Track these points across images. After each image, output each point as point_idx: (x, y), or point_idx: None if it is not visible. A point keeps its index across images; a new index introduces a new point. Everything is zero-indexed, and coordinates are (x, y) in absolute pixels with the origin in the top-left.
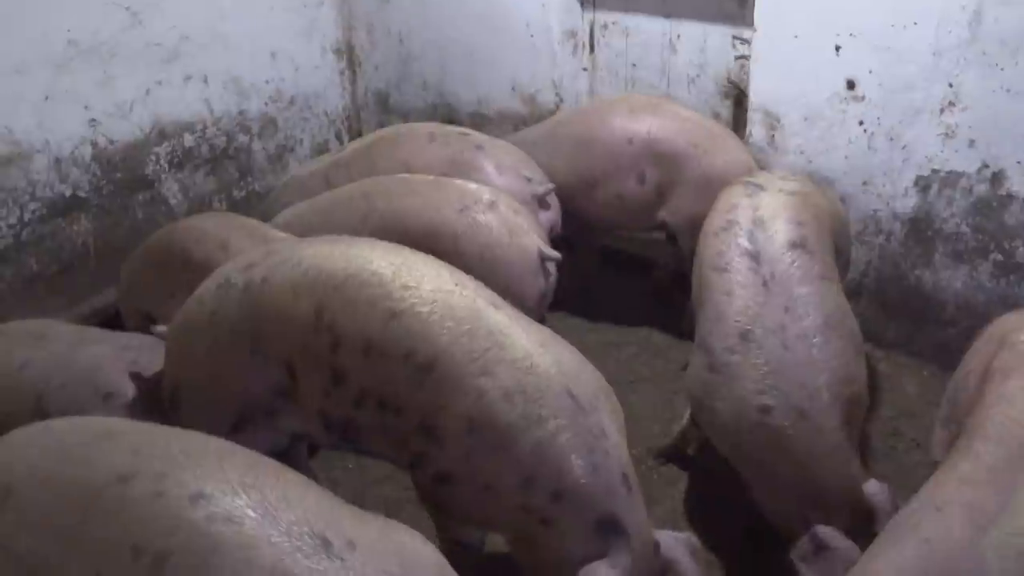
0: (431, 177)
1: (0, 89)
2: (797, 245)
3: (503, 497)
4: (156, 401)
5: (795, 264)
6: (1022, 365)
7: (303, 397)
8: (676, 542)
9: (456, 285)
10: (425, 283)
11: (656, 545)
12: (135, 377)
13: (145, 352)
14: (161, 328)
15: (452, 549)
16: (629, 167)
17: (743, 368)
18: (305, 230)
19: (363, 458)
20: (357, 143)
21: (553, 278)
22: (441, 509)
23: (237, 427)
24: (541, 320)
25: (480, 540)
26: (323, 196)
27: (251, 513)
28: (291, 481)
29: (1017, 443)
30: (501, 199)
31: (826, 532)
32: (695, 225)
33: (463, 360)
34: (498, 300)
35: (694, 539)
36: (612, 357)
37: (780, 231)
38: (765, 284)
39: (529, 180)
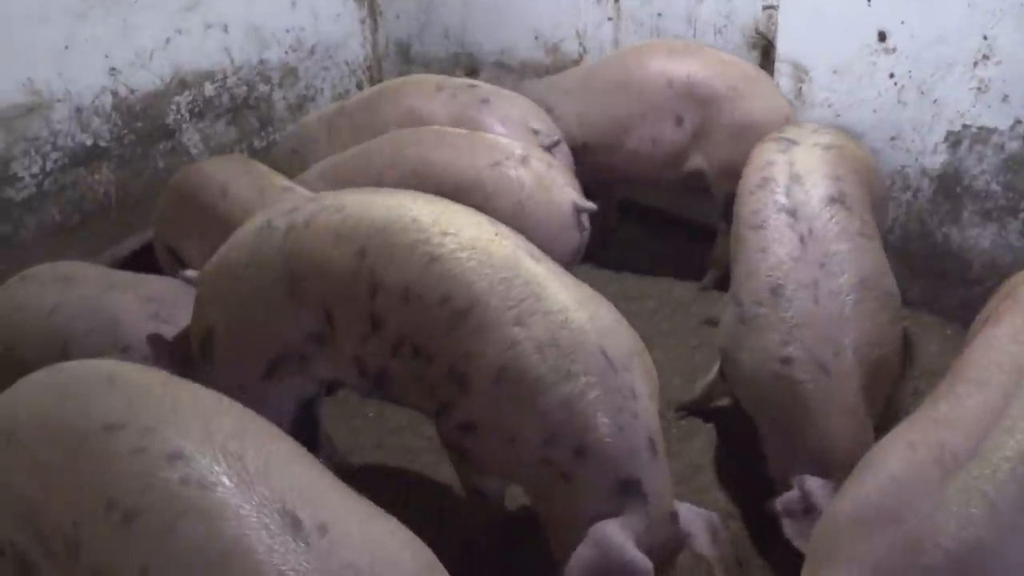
0: (463, 130)
1: (21, 39)
2: (836, 200)
3: (525, 449)
4: (173, 362)
5: (833, 220)
6: (1014, 312)
7: (339, 343)
8: (696, 517)
9: (496, 235)
10: (465, 230)
11: (675, 515)
12: (154, 340)
13: (168, 303)
14: (191, 272)
15: (473, 499)
16: (667, 110)
17: (770, 320)
18: (336, 179)
19: (384, 406)
20: (364, 92)
21: (587, 232)
22: (464, 458)
23: (269, 372)
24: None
25: (501, 491)
26: (357, 147)
27: (226, 481)
28: (278, 451)
29: (997, 388)
30: (534, 153)
31: (815, 487)
32: (728, 172)
33: (498, 307)
34: (537, 252)
35: (716, 518)
36: (633, 311)
37: (818, 186)
38: (802, 240)
39: (536, 132)
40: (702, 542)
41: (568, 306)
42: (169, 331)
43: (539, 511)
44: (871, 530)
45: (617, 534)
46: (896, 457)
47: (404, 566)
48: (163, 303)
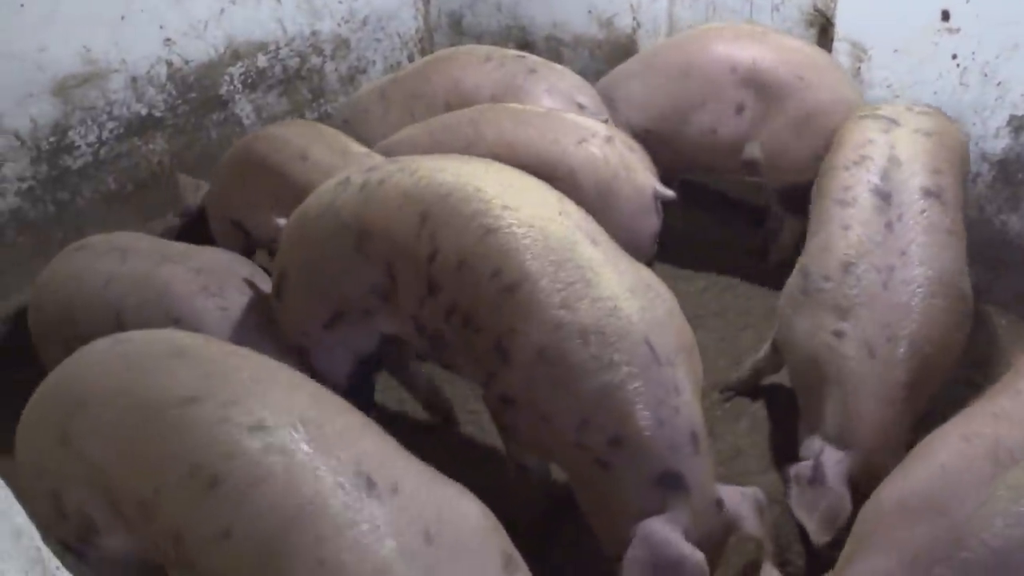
0: (542, 108)
1: (78, 9)
2: (932, 194)
3: (559, 431)
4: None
5: (925, 214)
6: None
7: (400, 301)
8: (743, 497)
9: (560, 214)
10: (527, 207)
11: (719, 502)
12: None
13: (218, 276)
14: (281, 221)
15: (516, 473)
16: (729, 97)
17: (833, 294)
18: (412, 151)
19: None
20: (416, 62)
21: (661, 216)
22: (505, 430)
23: (332, 322)
24: (650, 261)
25: (545, 467)
26: (434, 120)
27: (304, 447)
28: (352, 422)
29: None
30: (617, 135)
31: (829, 460)
32: (786, 163)
33: (546, 288)
34: (600, 237)
35: (760, 494)
36: (681, 290)
37: (917, 176)
38: (888, 226)
39: (583, 107)
40: (751, 523)
41: (618, 294)
42: (218, 304)
43: (579, 496)
44: (915, 518)
45: (664, 530)
46: (949, 448)
47: (471, 522)
48: (213, 275)
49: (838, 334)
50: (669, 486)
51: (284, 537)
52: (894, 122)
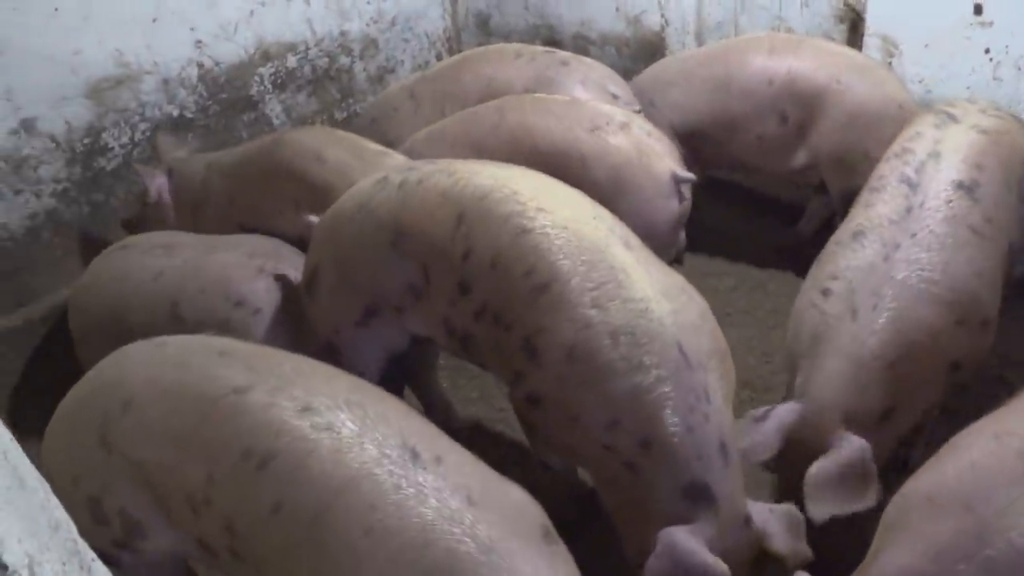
0: (565, 97)
1: (111, 12)
2: (963, 187)
3: (587, 432)
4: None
5: (950, 203)
6: None
7: (432, 300)
8: (771, 514)
9: (594, 218)
10: (561, 209)
11: (748, 518)
12: (280, 279)
13: (272, 258)
14: (312, 217)
15: (543, 472)
16: (769, 108)
17: (835, 257)
18: (441, 143)
19: (458, 376)
20: (445, 61)
21: (688, 202)
22: (531, 431)
23: (365, 319)
24: (677, 255)
25: (572, 468)
26: (461, 112)
27: (350, 424)
28: (393, 404)
29: None
30: (634, 120)
31: (784, 410)
32: (840, 165)
33: (577, 287)
34: (634, 241)
35: (795, 511)
36: (710, 288)
37: (951, 168)
38: (909, 210)
39: (616, 97)
40: (779, 541)
41: (650, 296)
42: (274, 285)
43: (606, 500)
44: (942, 512)
45: (687, 540)
46: (980, 446)
47: (512, 496)
48: (267, 258)
49: (825, 293)
50: (697, 497)
51: (332, 507)
52: (954, 119)
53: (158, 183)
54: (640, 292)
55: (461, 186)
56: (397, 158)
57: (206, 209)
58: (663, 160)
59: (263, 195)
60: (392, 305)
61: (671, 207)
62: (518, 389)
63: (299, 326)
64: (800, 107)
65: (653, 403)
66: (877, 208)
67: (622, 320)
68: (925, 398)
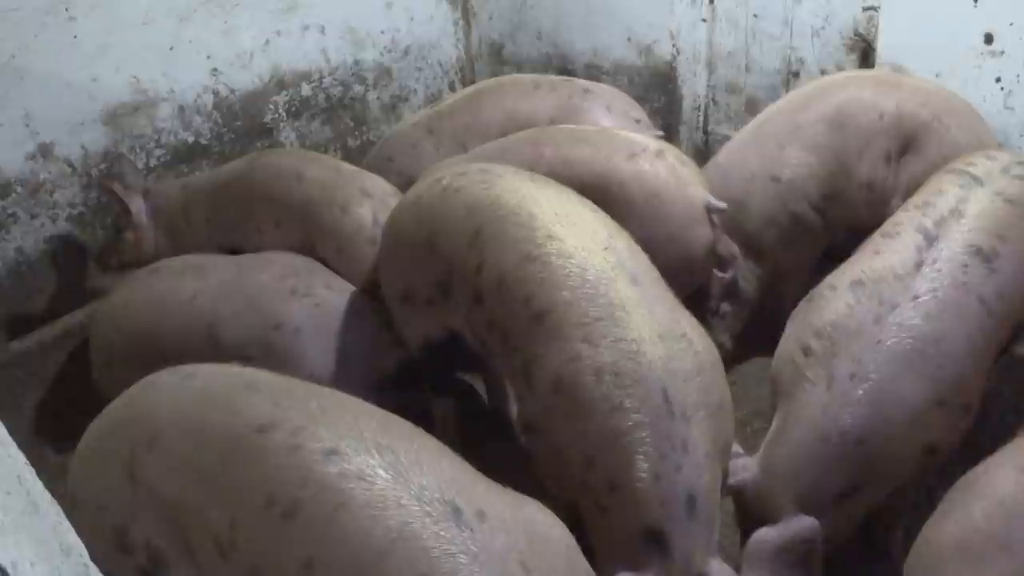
0: (597, 127)
1: (128, 40)
2: (980, 253)
3: (568, 467)
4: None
5: (964, 267)
6: None
7: (456, 302)
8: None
9: (605, 249)
10: (574, 237)
11: None
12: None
13: (303, 276)
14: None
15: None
16: (880, 145)
17: (825, 307)
18: None
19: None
20: (458, 94)
21: (719, 230)
22: (528, 456)
23: (405, 298)
24: (707, 279)
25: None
26: (490, 144)
27: (383, 473)
28: (425, 445)
29: None
30: (669, 149)
31: (738, 466)
32: None
33: (572, 320)
34: (645, 276)
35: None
36: None
37: (971, 231)
38: (919, 265)
39: (638, 122)
40: None
41: (644, 338)
42: (309, 303)
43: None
44: (979, 559)
45: None
46: (1007, 482)
47: (556, 545)
48: (299, 277)
49: (806, 352)
50: (650, 543)
51: (376, 570)
52: (978, 181)
53: (140, 206)
54: (635, 332)
55: (487, 201)
56: (374, 178)
57: (185, 232)
58: (697, 188)
59: (244, 216)
60: (423, 298)
61: (705, 234)
62: (519, 411)
63: (340, 343)
64: (902, 145)
65: (627, 448)
66: (885, 257)
67: (610, 358)
68: (892, 481)
